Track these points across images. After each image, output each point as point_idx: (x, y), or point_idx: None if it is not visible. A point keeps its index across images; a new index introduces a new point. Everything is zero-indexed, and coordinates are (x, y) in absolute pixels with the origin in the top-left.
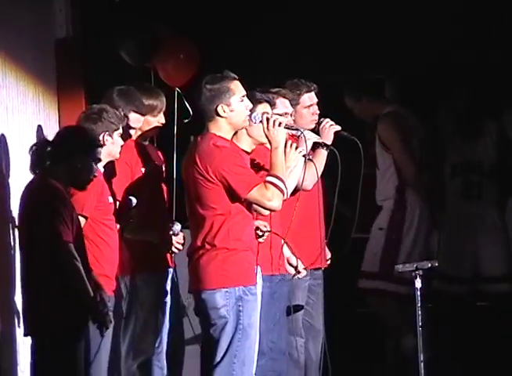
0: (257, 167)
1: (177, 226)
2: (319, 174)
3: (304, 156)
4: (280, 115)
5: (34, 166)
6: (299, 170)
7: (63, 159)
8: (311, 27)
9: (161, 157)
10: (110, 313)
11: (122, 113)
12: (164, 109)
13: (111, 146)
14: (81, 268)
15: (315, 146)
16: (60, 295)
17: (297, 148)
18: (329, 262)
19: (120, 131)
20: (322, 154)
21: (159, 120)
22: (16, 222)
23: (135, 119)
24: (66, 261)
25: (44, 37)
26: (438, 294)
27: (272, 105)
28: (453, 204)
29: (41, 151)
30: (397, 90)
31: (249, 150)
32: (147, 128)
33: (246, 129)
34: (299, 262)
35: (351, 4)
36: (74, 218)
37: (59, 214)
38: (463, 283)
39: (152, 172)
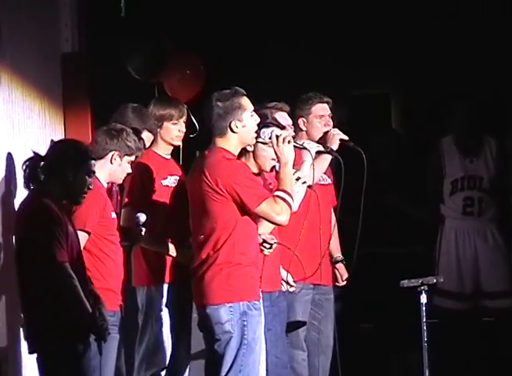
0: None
1: (141, 217)
2: (318, 175)
3: (309, 186)
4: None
5: (28, 181)
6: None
7: (56, 173)
8: (318, 42)
9: (180, 171)
10: (112, 327)
11: (142, 145)
12: (184, 117)
13: (116, 168)
14: (78, 286)
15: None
16: (59, 314)
17: (289, 142)
18: (344, 282)
19: (132, 159)
20: (325, 158)
21: (179, 128)
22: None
23: (146, 138)
24: (62, 282)
25: (50, 52)
26: (439, 311)
27: (282, 128)
28: (453, 220)
29: (35, 166)
30: (401, 105)
31: (256, 171)
32: (168, 136)
33: (254, 154)
34: (289, 276)
35: (357, 18)
36: (70, 232)
37: (53, 236)
38: (464, 299)
39: (171, 185)
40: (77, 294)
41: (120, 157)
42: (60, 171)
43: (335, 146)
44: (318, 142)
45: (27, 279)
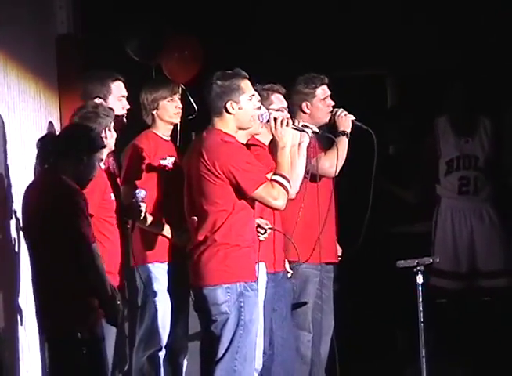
0: None
1: (141, 193)
2: (342, 161)
3: (314, 132)
4: (277, 110)
5: (42, 160)
6: (303, 166)
7: (72, 154)
8: (311, 24)
9: (176, 153)
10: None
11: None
12: (178, 94)
13: (110, 140)
14: (105, 268)
15: (336, 134)
16: (81, 295)
17: (287, 125)
18: (339, 259)
19: (113, 123)
20: (344, 141)
21: (176, 104)
22: (21, 221)
23: (115, 87)
24: (91, 262)
25: (45, 34)
26: (436, 291)
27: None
28: (449, 200)
29: (50, 145)
30: (397, 87)
31: (243, 142)
32: (167, 114)
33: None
34: (286, 262)
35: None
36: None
37: (83, 213)
38: (460, 279)
39: (169, 165)
40: (103, 277)
41: (109, 129)
42: (77, 153)
43: (349, 129)
44: (327, 125)
45: (47, 258)
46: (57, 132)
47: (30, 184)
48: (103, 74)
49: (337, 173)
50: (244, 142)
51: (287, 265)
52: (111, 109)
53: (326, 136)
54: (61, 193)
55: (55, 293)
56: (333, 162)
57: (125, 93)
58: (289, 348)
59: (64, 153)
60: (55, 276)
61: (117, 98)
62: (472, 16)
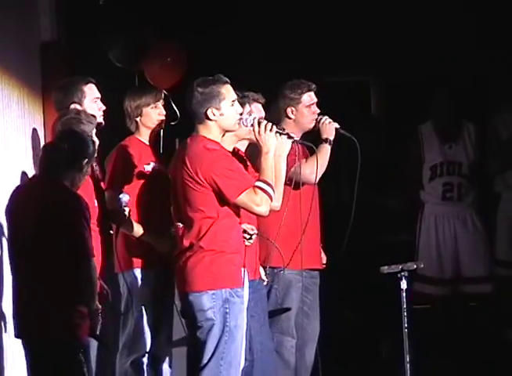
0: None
1: (125, 198)
2: (324, 168)
3: (294, 141)
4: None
5: (45, 168)
6: (284, 173)
7: (77, 164)
8: (297, 30)
9: (154, 158)
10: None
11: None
12: (161, 100)
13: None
14: (97, 281)
15: (319, 141)
16: (76, 304)
17: (271, 130)
18: (324, 266)
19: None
20: (326, 149)
21: (159, 111)
22: (6, 226)
23: (89, 89)
24: (89, 275)
25: (29, 40)
26: (420, 297)
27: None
28: (433, 206)
29: (54, 154)
30: (382, 93)
31: (230, 148)
32: (150, 121)
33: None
34: (261, 270)
35: (337, 4)
36: None
37: (89, 225)
38: (444, 284)
39: (154, 171)
40: (95, 288)
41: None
42: (79, 165)
43: (332, 136)
44: (311, 131)
45: (41, 266)
46: (44, 139)
47: (17, 189)
48: (74, 80)
49: (317, 180)
50: (231, 148)
51: (262, 273)
52: (94, 116)
53: (305, 144)
54: (71, 205)
55: (47, 300)
56: (313, 169)
57: (99, 95)
58: (268, 353)
59: (70, 162)
60: (49, 284)
61: (91, 100)
62: (458, 24)
